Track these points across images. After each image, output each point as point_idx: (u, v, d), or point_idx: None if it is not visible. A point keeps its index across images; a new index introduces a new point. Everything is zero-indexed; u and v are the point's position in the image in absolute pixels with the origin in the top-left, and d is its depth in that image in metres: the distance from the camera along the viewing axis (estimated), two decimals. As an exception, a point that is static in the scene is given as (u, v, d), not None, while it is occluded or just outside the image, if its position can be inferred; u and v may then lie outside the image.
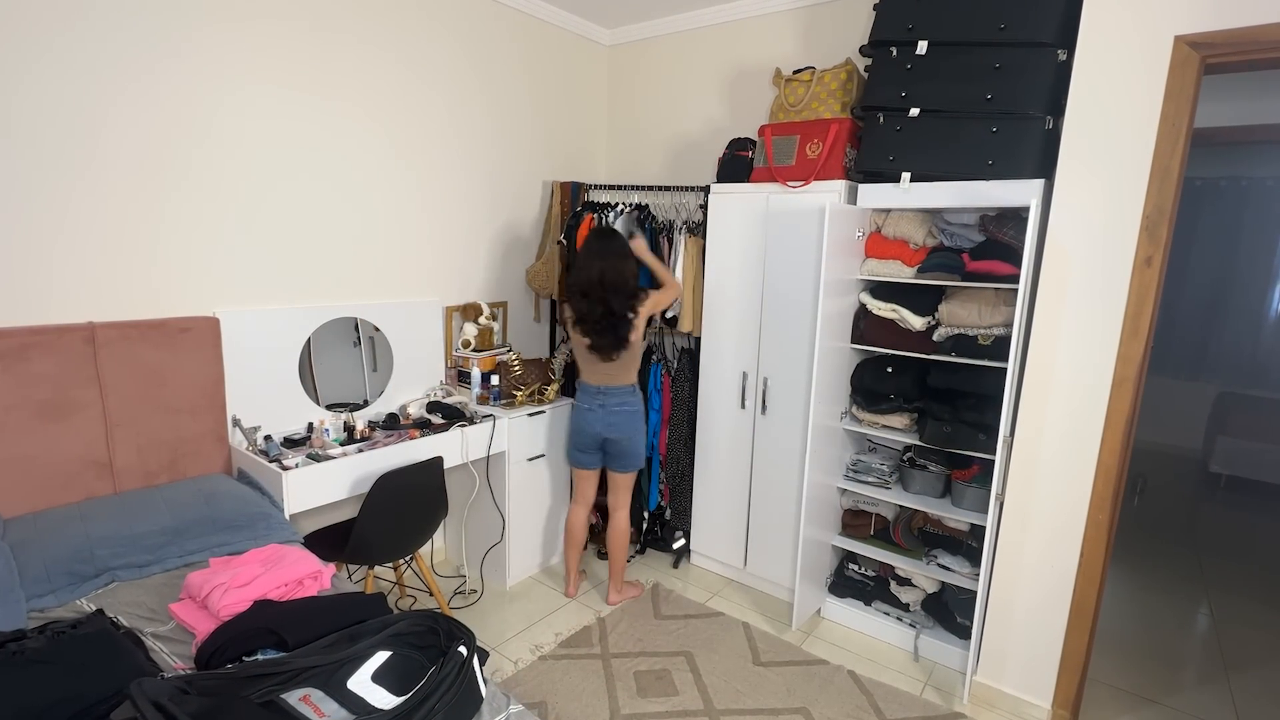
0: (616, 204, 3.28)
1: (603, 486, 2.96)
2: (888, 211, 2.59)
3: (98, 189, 2.02)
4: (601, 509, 3.42)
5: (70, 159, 1.95)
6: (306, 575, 1.72)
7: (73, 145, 1.95)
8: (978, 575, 2.41)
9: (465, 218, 3.16)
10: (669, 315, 3.15)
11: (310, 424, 2.54)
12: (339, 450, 2.36)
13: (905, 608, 2.70)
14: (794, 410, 2.78)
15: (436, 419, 2.75)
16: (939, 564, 2.57)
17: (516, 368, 3.02)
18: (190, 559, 1.85)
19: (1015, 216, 2.34)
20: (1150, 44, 1.87)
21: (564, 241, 3.28)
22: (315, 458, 2.27)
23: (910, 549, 2.68)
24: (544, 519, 3.13)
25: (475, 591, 2.96)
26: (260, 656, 1.37)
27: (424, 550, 3.12)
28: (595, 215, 3.22)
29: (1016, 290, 2.13)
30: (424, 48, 2.85)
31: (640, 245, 2.72)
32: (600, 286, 2.51)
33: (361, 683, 1.22)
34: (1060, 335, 2.11)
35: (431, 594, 2.67)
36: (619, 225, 3.09)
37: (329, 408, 2.67)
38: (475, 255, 3.24)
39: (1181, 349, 5.47)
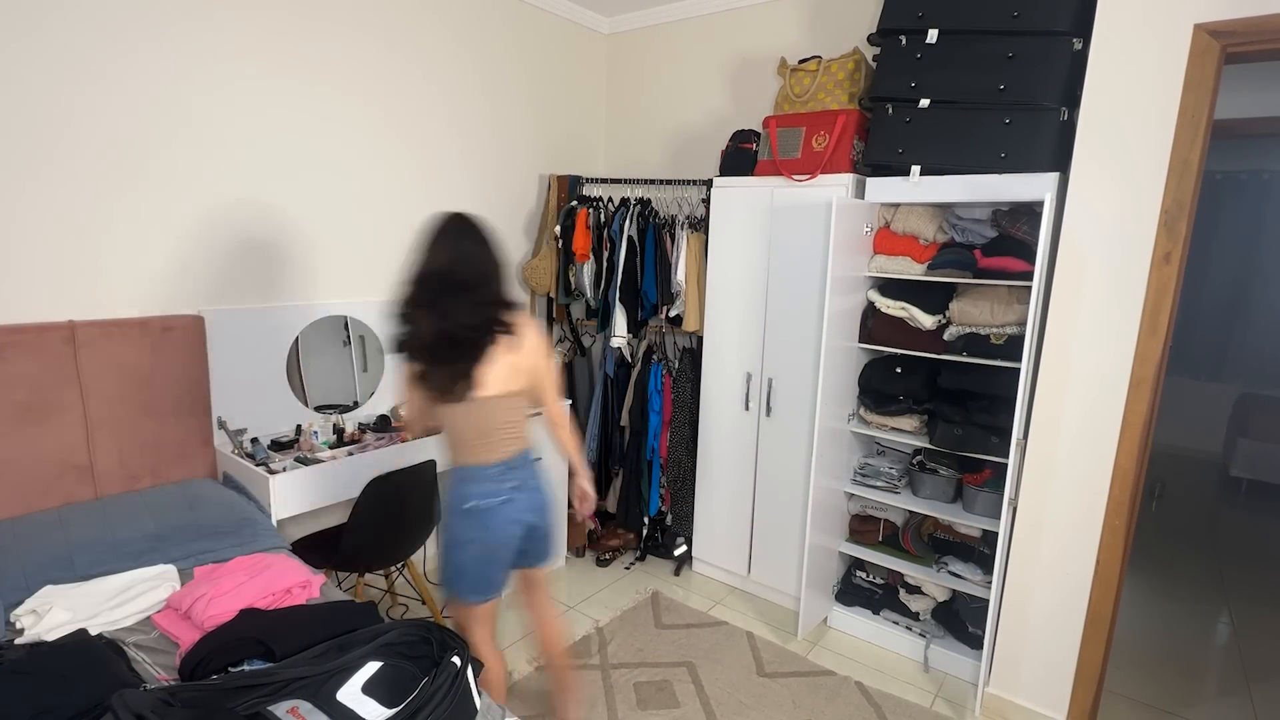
0: (609, 197, 3.29)
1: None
2: (897, 206, 2.59)
3: (76, 182, 2.02)
4: (602, 514, 3.41)
5: (46, 151, 1.95)
6: (295, 584, 1.72)
7: (48, 136, 1.95)
8: (990, 583, 2.40)
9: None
10: (672, 314, 3.15)
11: (298, 426, 2.54)
12: (328, 453, 2.36)
13: (915, 616, 2.70)
14: (800, 412, 2.78)
15: (429, 421, 2.75)
16: (950, 571, 2.57)
17: (512, 368, 3.01)
18: (174, 566, 1.85)
19: (1029, 211, 2.33)
20: (1169, 32, 1.87)
21: (559, 238, 3.28)
22: (303, 461, 2.27)
23: (920, 556, 2.68)
24: (540, 525, 3.12)
25: (469, 600, 2.96)
26: (247, 667, 1.37)
27: (416, 557, 3.11)
28: (590, 211, 3.23)
29: (1030, 288, 2.13)
30: (416, 36, 2.85)
31: None
32: (450, 287, 1.67)
33: (351, 694, 1.22)
34: (1075, 334, 2.11)
35: (424, 602, 2.67)
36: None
37: (318, 409, 2.67)
38: (469, 251, 3.23)
39: (1201, 349, 5.47)
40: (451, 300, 1.66)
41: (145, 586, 1.70)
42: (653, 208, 3.20)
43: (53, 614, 1.53)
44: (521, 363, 1.76)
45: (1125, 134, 1.96)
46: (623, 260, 3.12)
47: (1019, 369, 2.17)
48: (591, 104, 3.79)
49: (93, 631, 1.51)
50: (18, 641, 1.47)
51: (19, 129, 1.90)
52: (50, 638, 1.48)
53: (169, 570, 1.79)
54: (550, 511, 1.91)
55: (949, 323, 2.48)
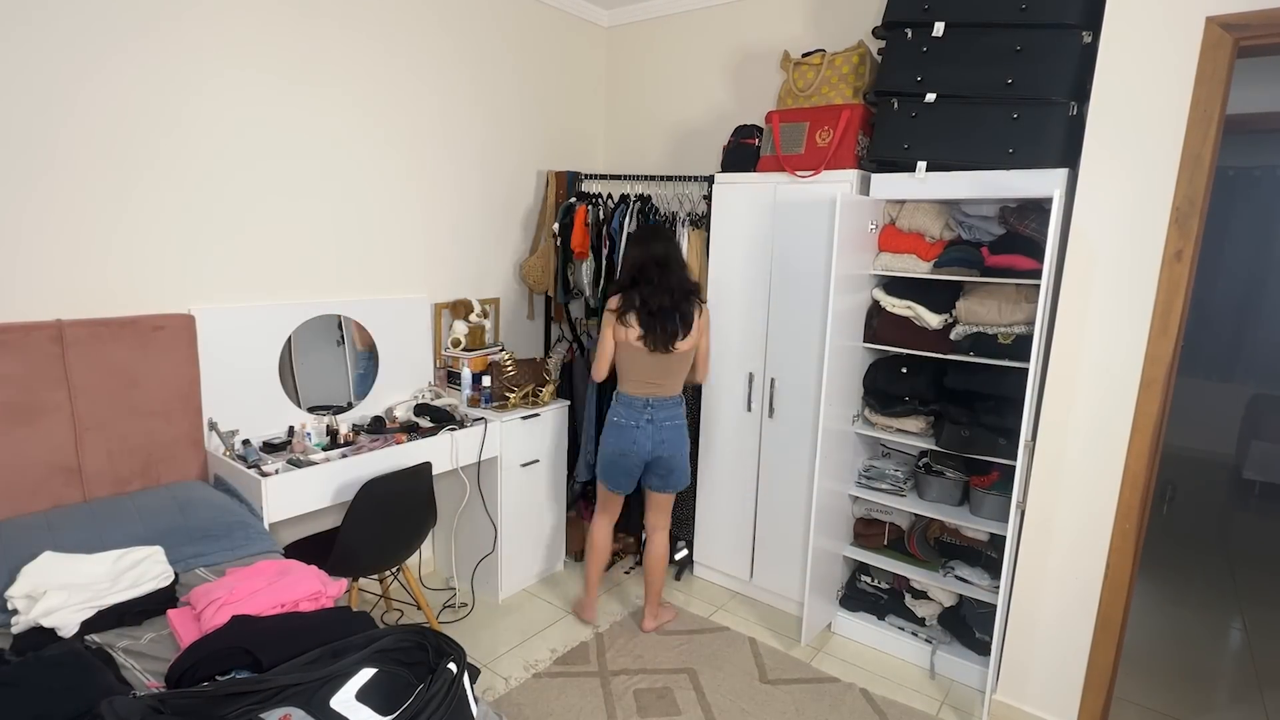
0: (608, 194, 3.29)
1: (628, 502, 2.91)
2: (902, 203, 2.59)
3: (65, 178, 2.02)
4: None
5: (35, 146, 1.95)
6: (305, 596, 1.68)
7: (37, 131, 1.95)
8: (997, 588, 2.41)
9: (455, 209, 3.16)
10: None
11: (291, 428, 2.54)
12: (321, 455, 2.36)
13: (921, 622, 2.70)
14: (803, 413, 2.78)
15: (425, 422, 2.75)
16: (956, 576, 2.57)
17: (509, 368, 3.02)
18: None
19: (1037, 208, 2.33)
20: (1180, 25, 1.87)
21: (558, 235, 3.28)
22: (296, 463, 2.27)
23: (926, 560, 2.68)
24: (539, 528, 3.13)
25: (466, 605, 2.96)
26: (236, 675, 1.37)
27: (411, 561, 3.12)
28: (589, 208, 3.23)
29: (1038, 286, 2.13)
30: (410, 29, 2.84)
31: None
32: (658, 267, 2.44)
33: (345, 701, 1.22)
34: (1085, 334, 2.11)
35: (419, 608, 2.67)
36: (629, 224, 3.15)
37: (311, 410, 2.67)
38: (466, 249, 3.24)
39: (1213, 348, 5.47)
40: (675, 275, 2.48)
41: (148, 566, 1.72)
42: (653, 204, 3.20)
43: (47, 599, 1.55)
44: (700, 325, 2.56)
45: (1136, 129, 1.96)
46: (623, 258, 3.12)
47: (1027, 369, 2.17)
48: (590, 98, 3.79)
49: (107, 604, 1.58)
50: (12, 625, 1.53)
51: (4, 125, 1.89)
52: (46, 623, 1.52)
53: (157, 551, 1.80)
54: (673, 449, 2.61)
55: (956, 322, 2.48)
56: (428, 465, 2.43)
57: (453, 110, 3.08)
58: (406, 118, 2.89)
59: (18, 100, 1.91)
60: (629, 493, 2.72)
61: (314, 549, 2.35)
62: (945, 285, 2.51)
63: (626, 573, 3.30)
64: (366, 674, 1.28)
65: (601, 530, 2.80)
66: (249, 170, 2.42)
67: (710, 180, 2.99)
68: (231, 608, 1.56)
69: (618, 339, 2.53)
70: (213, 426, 2.35)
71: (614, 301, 2.54)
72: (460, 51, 3.06)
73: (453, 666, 1.30)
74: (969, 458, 2.54)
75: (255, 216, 2.46)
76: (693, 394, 3.16)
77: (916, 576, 2.65)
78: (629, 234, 3.07)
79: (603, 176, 3.42)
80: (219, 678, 1.36)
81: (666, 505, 2.75)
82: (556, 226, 3.28)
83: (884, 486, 2.73)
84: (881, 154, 2.51)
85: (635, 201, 3.18)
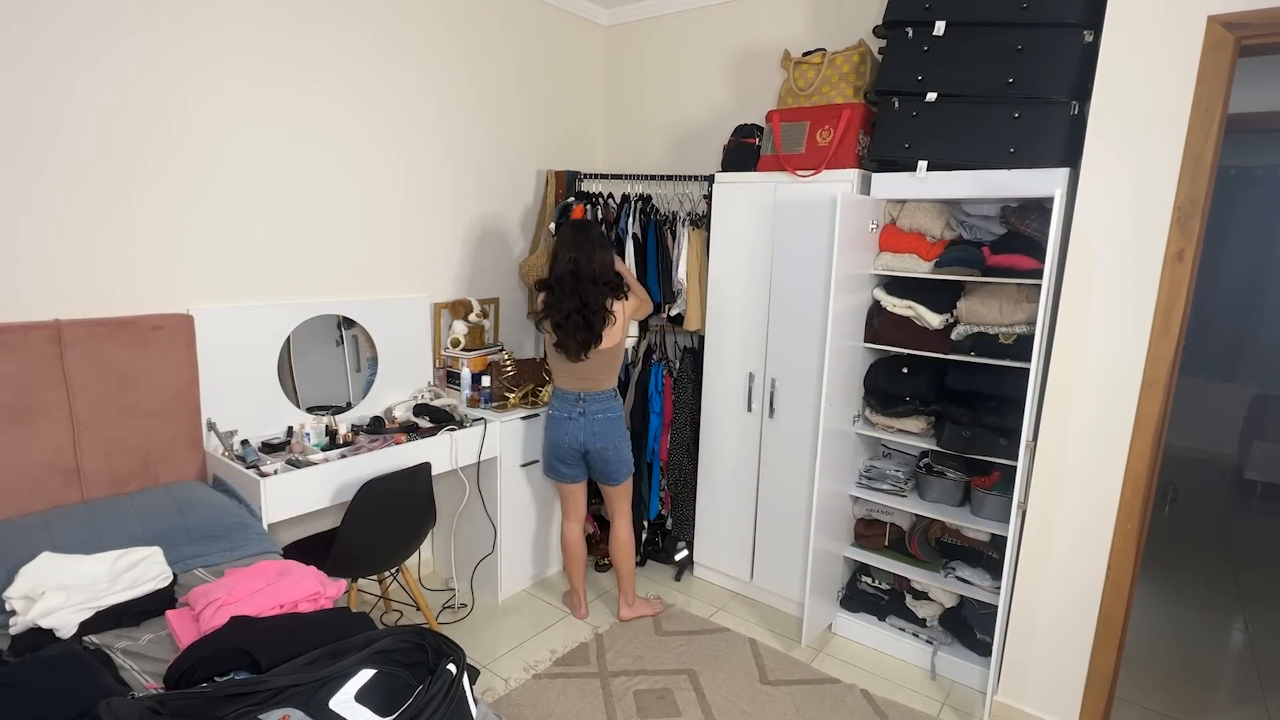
0: (609, 194, 3.29)
1: (596, 492, 2.96)
2: (903, 202, 2.59)
3: (63, 178, 2.02)
4: (598, 517, 3.42)
5: (32, 146, 1.95)
6: (304, 597, 1.69)
7: (34, 131, 1.95)
8: (998, 588, 2.41)
9: (454, 208, 3.16)
10: (673, 313, 3.15)
11: (290, 428, 2.54)
12: (320, 456, 2.36)
13: (922, 623, 2.70)
14: (804, 413, 2.78)
15: (424, 422, 2.75)
16: (957, 576, 2.57)
17: (509, 368, 3.02)
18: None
19: (1039, 208, 2.34)
20: (1182, 24, 1.87)
21: (554, 234, 3.28)
22: (295, 464, 2.27)
23: (927, 560, 2.68)
24: (538, 529, 3.13)
25: (465, 606, 2.96)
26: (235, 677, 1.37)
27: (411, 562, 3.12)
28: (586, 207, 3.23)
29: (1040, 286, 2.13)
30: (409, 27, 2.85)
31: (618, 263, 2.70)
32: (573, 278, 2.50)
33: (344, 703, 1.22)
34: (1086, 334, 2.11)
35: (419, 608, 2.67)
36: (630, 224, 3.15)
37: (310, 411, 2.67)
38: (465, 248, 3.24)
39: (1215, 348, 5.47)
40: (587, 288, 2.49)
41: (147, 566, 1.72)
42: (653, 204, 3.20)
43: (46, 599, 1.55)
44: (618, 323, 2.58)
45: (1138, 128, 1.96)
46: (630, 259, 3.12)
47: (1028, 369, 2.17)
48: (590, 97, 3.79)
49: (105, 605, 1.59)
50: (10, 627, 1.53)
51: (3, 124, 1.89)
52: (44, 624, 1.52)
53: (155, 551, 1.81)
54: (605, 442, 2.66)
55: (957, 322, 2.48)
56: (427, 465, 2.44)
57: (452, 109, 3.08)
58: (406, 117, 2.89)
59: (15, 99, 1.90)
60: (573, 483, 2.78)
61: (313, 549, 2.35)
62: (946, 285, 2.51)
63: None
64: (366, 675, 1.28)
65: (568, 531, 2.86)
66: (248, 169, 2.42)
67: (710, 180, 2.99)
68: (230, 608, 1.56)
69: (546, 339, 2.65)
70: (211, 427, 2.35)
71: (539, 302, 2.62)
72: (460, 51, 3.06)
73: (452, 667, 1.31)
74: (970, 458, 2.54)
75: (254, 216, 2.46)
76: (692, 394, 3.16)
77: (917, 577, 2.65)
78: (568, 228, 2.79)
79: (603, 176, 3.42)
80: (218, 679, 1.36)
81: (618, 495, 2.80)
82: (553, 226, 3.28)
83: (885, 487, 2.73)
84: (882, 153, 2.51)
85: (636, 201, 3.18)
